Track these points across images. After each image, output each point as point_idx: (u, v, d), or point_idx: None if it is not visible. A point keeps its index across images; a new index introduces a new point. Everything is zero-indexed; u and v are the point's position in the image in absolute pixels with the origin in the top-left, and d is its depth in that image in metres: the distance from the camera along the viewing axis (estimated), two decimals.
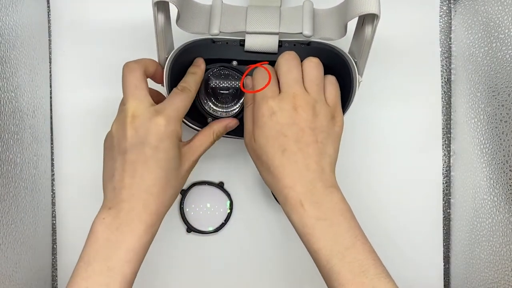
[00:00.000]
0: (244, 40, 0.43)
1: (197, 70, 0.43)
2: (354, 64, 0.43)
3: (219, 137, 0.45)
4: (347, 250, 0.36)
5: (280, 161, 0.39)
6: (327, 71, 0.45)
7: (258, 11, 0.43)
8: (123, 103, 0.40)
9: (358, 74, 0.44)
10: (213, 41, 0.44)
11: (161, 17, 0.39)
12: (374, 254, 0.37)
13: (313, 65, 0.41)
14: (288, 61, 0.41)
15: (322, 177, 0.39)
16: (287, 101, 0.40)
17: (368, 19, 0.39)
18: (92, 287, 0.35)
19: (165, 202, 0.39)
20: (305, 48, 0.44)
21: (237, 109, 0.47)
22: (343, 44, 0.45)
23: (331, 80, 0.43)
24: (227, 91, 0.47)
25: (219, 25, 0.43)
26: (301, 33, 0.43)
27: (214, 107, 0.47)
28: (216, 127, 0.45)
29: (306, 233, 0.38)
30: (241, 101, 0.47)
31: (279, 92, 0.41)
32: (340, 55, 0.44)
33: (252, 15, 0.43)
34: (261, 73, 0.42)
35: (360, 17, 0.40)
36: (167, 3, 0.38)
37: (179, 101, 0.40)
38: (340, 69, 0.44)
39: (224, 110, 0.47)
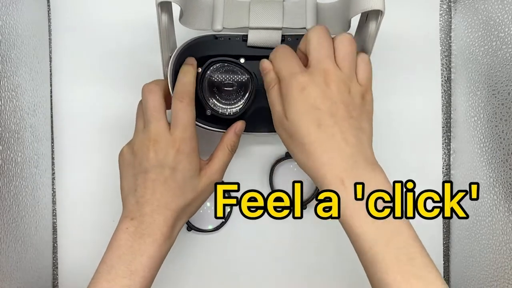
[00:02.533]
0: (246, 35, 0.43)
1: (190, 68, 0.43)
2: None
3: (235, 147, 0.46)
4: (393, 235, 0.34)
5: (316, 136, 0.36)
6: None
7: (261, 6, 0.43)
8: (143, 122, 0.43)
9: None
10: (215, 37, 0.44)
11: (164, 17, 0.39)
12: (420, 242, 0.34)
13: (346, 41, 0.38)
14: (319, 35, 0.38)
15: (362, 152, 0.36)
16: (317, 76, 0.37)
17: (372, 15, 0.39)
18: None
19: (182, 217, 0.42)
20: None
21: (240, 105, 0.47)
22: None
23: (364, 58, 0.40)
24: (231, 87, 0.47)
25: (222, 21, 0.43)
26: (305, 28, 0.43)
27: (218, 103, 0.47)
28: (227, 138, 0.45)
29: (348, 215, 0.34)
30: (245, 96, 0.47)
31: (307, 68, 0.38)
32: None
33: (255, 10, 0.43)
34: (283, 50, 0.40)
35: (363, 12, 0.40)
36: (170, 2, 0.38)
37: (185, 115, 0.41)
38: None
39: (228, 107, 0.47)
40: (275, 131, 0.49)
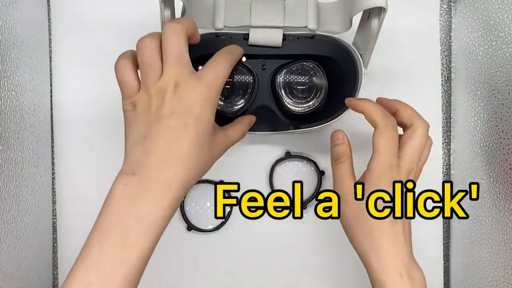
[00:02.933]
0: (248, 34, 0.43)
1: (237, 48, 0.41)
2: (359, 57, 0.43)
3: (246, 131, 0.44)
4: None
5: (389, 230, 0.40)
6: (332, 64, 0.45)
7: (263, 5, 0.43)
8: (160, 68, 0.35)
9: (364, 66, 0.44)
10: (217, 35, 0.44)
11: (167, 13, 0.39)
12: None
13: (429, 149, 0.43)
14: (426, 136, 0.42)
15: (411, 246, 0.41)
16: (405, 174, 0.41)
17: (374, 12, 0.39)
18: (106, 261, 0.32)
19: (192, 178, 0.36)
20: (309, 41, 0.44)
21: (242, 104, 0.47)
22: (346, 36, 0.45)
23: (423, 164, 0.44)
24: (232, 86, 0.47)
25: (224, 19, 0.43)
26: (306, 26, 0.43)
27: (219, 102, 0.47)
28: (243, 123, 0.44)
29: None
30: (246, 95, 0.47)
31: (399, 158, 0.41)
32: (345, 48, 0.44)
33: (256, 8, 0.43)
34: (394, 135, 0.41)
35: (365, 10, 0.40)
36: None
37: (222, 69, 0.37)
38: (345, 62, 0.44)
39: (229, 105, 0.47)
40: (275, 130, 0.49)
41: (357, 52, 0.43)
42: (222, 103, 0.47)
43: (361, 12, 0.41)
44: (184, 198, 0.55)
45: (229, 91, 0.47)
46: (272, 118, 0.48)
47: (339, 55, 0.44)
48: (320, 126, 0.46)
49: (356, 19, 0.43)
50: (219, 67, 0.37)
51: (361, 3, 0.38)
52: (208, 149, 0.36)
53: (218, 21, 0.43)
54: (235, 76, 0.47)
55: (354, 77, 0.44)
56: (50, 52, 0.55)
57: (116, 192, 0.33)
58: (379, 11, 0.38)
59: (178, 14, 0.42)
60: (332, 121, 0.45)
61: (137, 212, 0.32)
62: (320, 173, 0.54)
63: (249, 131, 0.48)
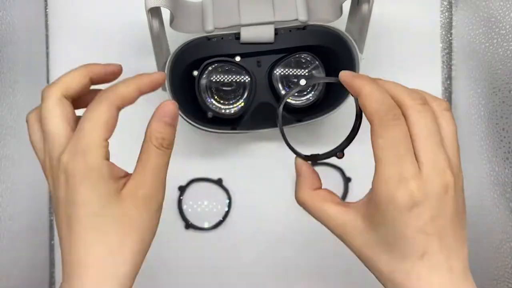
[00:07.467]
0: (239, 33, 0.43)
1: (138, 77, 0.32)
2: (354, 43, 0.43)
3: (168, 140, 0.30)
4: None
5: (416, 269, 0.28)
6: (327, 53, 0.45)
7: (251, 2, 0.43)
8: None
9: (359, 52, 0.43)
10: (208, 38, 0.43)
11: (155, 23, 0.38)
12: None
13: (453, 123, 0.29)
14: (430, 125, 0.28)
15: (465, 278, 0.30)
16: (435, 185, 0.27)
17: None
18: None
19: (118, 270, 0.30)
20: (301, 33, 0.44)
21: (242, 103, 0.47)
22: (337, 24, 0.45)
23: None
24: (230, 87, 0.47)
25: (213, 22, 0.42)
26: (297, 19, 0.43)
27: (218, 105, 0.47)
28: (149, 131, 0.30)
29: None
30: (245, 94, 0.47)
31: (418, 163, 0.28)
32: (339, 35, 0.44)
33: (245, 6, 0.42)
34: (396, 129, 0.28)
35: None
36: (160, 7, 0.38)
37: (96, 114, 0.30)
38: (340, 49, 0.44)
39: (228, 107, 0.47)
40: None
41: (351, 39, 0.43)
42: (221, 106, 0.47)
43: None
44: (182, 196, 0.54)
45: (227, 92, 0.47)
46: (273, 115, 0.48)
47: (333, 43, 0.43)
48: (324, 116, 0.46)
49: (346, 6, 0.42)
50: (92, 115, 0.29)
51: None
52: (113, 221, 0.30)
53: (208, 24, 0.42)
54: (231, 77, 0.46)
55: (351, 64, 0.43)
56: (47, 48, 0.54)
57: None
58: None
59: (167, 21, 0.42)
60: (335, 110, 0.45)
61: None
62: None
63: (252, 130, 0.48)
